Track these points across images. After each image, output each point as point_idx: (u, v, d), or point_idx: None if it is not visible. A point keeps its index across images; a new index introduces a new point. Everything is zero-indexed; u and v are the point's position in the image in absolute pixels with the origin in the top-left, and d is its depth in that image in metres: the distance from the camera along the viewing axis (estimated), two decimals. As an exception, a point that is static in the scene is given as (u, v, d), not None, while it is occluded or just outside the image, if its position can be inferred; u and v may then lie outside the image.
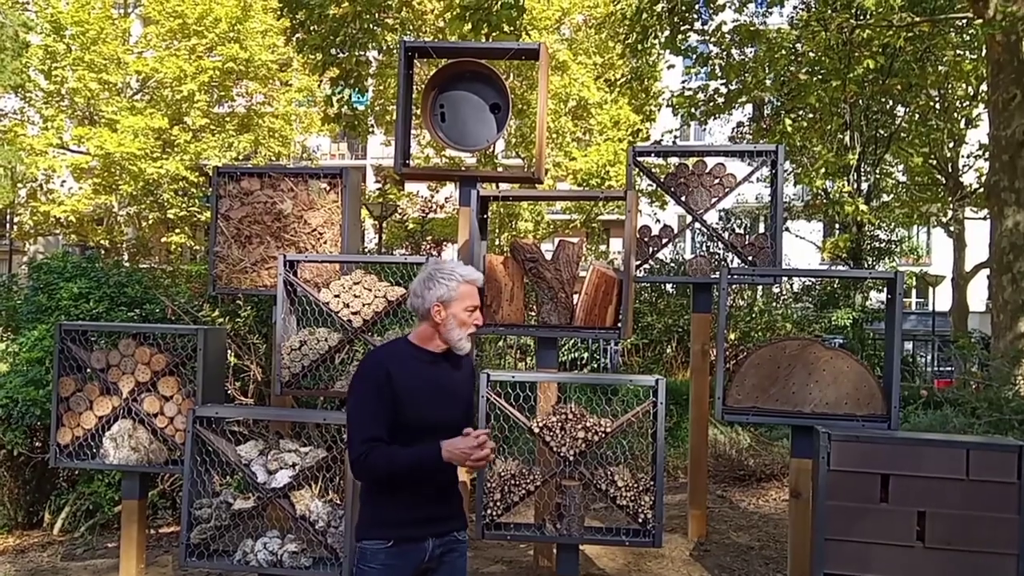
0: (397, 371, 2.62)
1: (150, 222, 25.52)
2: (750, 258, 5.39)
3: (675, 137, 17.23)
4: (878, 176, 18.25)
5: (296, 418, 4.52)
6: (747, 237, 5.52)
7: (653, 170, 6.03)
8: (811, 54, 12.77)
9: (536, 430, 4.00)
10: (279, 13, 11.03)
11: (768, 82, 12.93)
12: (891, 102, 16.09)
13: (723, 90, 13.22)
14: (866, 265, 15.99)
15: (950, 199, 20.03)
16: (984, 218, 16.78)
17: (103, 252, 23.86)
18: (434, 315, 2.67)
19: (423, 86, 4.96)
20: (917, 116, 16.62)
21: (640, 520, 3.94)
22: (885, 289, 4.27)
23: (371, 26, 10.73)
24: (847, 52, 12.48)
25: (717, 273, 5.28)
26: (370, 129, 18.18)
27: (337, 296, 4.44)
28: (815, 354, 4.14)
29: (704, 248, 12.65)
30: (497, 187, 7.58)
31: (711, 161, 5.59)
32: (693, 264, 5.52)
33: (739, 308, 11.87)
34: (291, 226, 4.95)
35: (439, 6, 16.61)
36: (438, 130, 4.92)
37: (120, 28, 24.70)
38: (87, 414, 4.63)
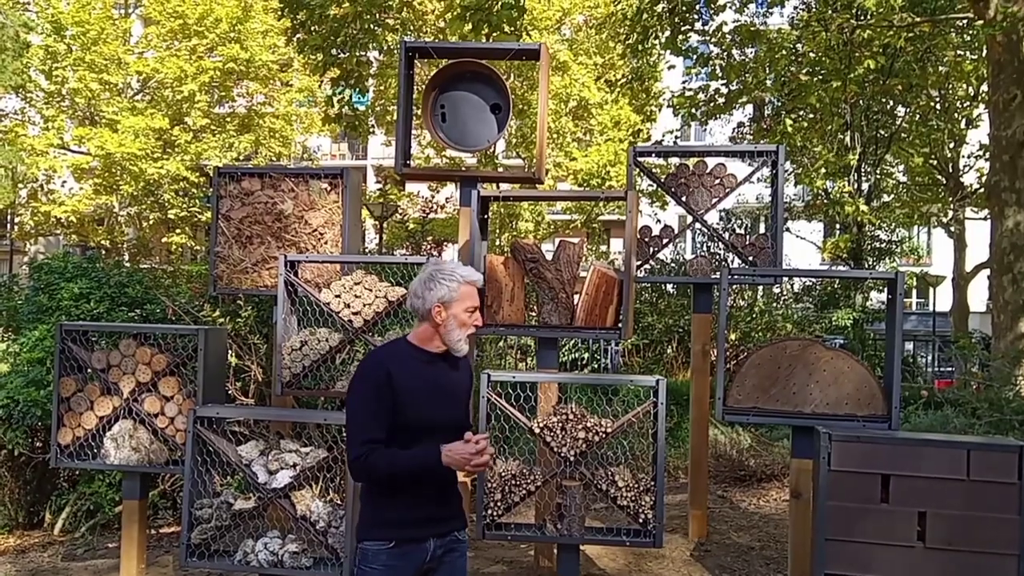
0: (397, 371, 2.62)
1: (151, 222, 25.53)
2: (751, 258, 5.39)
3: (676, 137, 17.22)
4: (879, 176, 18.25)
5: (297, 418, 4.52)
6: (748, 237, 5.52)
7: (654, 170, 6.03)
8: (812, 54, 12.78)
9: (537, 430, 4.00)
10: (280, 13, 11.03)
11: (769, 82, 12.94)
12: (892, 102, 16.09)
13: (724, 90, 13.23)
14: (867, 265, 15.99)
15: (951, 199, 20.03)
16: (985, 218, 16.77)
17: (104, 252, 23.84)
18: (435, 316, 2.67)
19: (424, 86, 4.96)
20: (918, 116, 16.62)
21: (641, 520, 3.94)
22: (886, 289, 4.28)
23: (372, 26, 10.74)
24: (848, 52, 12.48)
25: (718, 273, 5.28)
26: (371, 129, 18.19)
27: (338, 296, 4.44)
28: (816, 354, 4.14)
29: (705, 248, 12.62)
30: (498, 187, 7.59)
31: (712, 161, 5.59)
32: (694, 264, 5.52)
33: (740, 308, 11.86)
34: (292, 226, 4.95)
35: (440, 6, 16.61)
36: (439, 130, 4.92)
37: (121, 28, 24.70)
38: (88, 414, 4.63)
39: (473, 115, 4.87)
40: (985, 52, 10.39)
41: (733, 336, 10.75)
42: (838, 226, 18.40)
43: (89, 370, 4.67)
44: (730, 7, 13.53)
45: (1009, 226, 8.58)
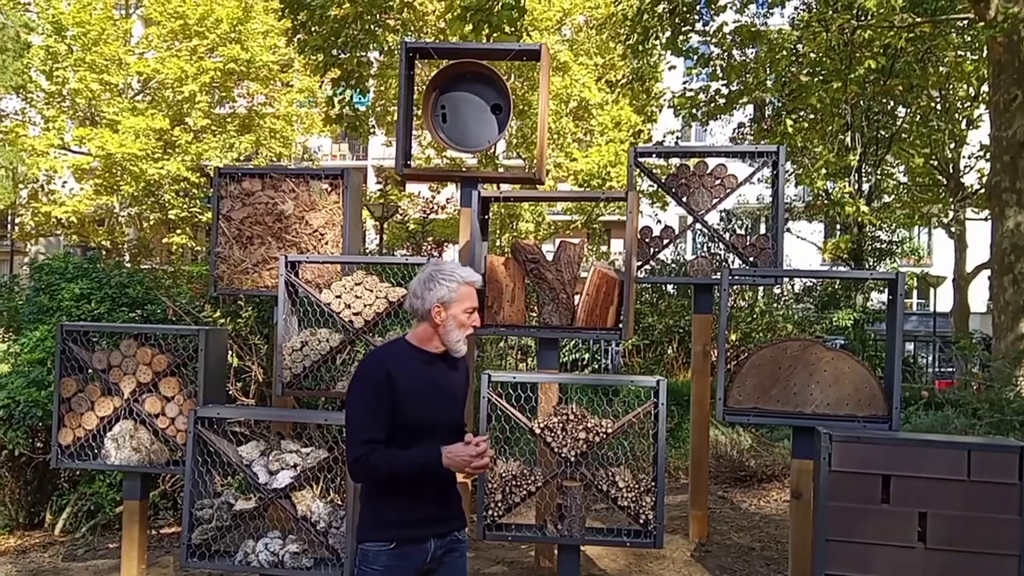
0: (397, 371, 2.62)
1: (151, 223, 25.55)
2: (751, 259, 5.39)
3: (677, 138, 17.23)
4: (879, 177, 18.24)
5: (297, 419, 4.53)
6: (748, 238, 5.52)
7: (654, 171, 6.04)
8: (812, 55, 12.77)
9: (537, 431, 4.00)
10: (280, 14, 11.02)
11: (769, 83, 12.93)
12: (892, 103, 16.08)
13: (724, 91, 13.22)
14: (867, 266, 15.98)
15: (951, 200, 20.02)
16: (985, 219, 16.75)
17: (104, 253, 23.83)
18: (434, 316, 2.67)
19: (424, 87, 4.96)
20: (918, 117, 16.61)
21: (641, 521, 3.94)
22: (886, 290, 4.28)
23: (372, 27, 10.73)
24: (848, 53, 12.48)
25: (718, 274, 5.29)
26: (371, 130, 18.20)
27: (338, 297, 4.44)
28: (816, 355, 4.14)
29: (705, 249, 12.61)
30: (498, 188, 7.59)
31: (712, 162, 5.59)
32: (694, 265, 5.52)
33: (740, 309, 11.86)
34: (292, 227, 4.95)
35: (440, 7, 16.61)
36: (439, 131, 4.92)
37: (121, 29, 24.73)
38: (88, 415, 4.64)
39: (474, 116, 4.87)
40: (986, 53, 10.39)
41: (734, 337, 10.75)
42: (839, 227, 18.38)
43: (90, 370, 4.67)
44: (730, 7, 13.52)
45: (1010, 227, 8.58)
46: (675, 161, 6.36)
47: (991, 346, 9.40)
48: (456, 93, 4.89)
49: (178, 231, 25.21)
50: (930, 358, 17.24)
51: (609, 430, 3.95)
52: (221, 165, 10.45)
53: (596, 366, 12.78)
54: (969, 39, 13.23)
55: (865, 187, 16.55)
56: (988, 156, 11.72)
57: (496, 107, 4.86)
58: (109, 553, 5.68)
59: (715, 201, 5.48)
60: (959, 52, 14.14)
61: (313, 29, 10.45)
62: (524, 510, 4.76)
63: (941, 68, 14.35)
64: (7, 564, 5.53)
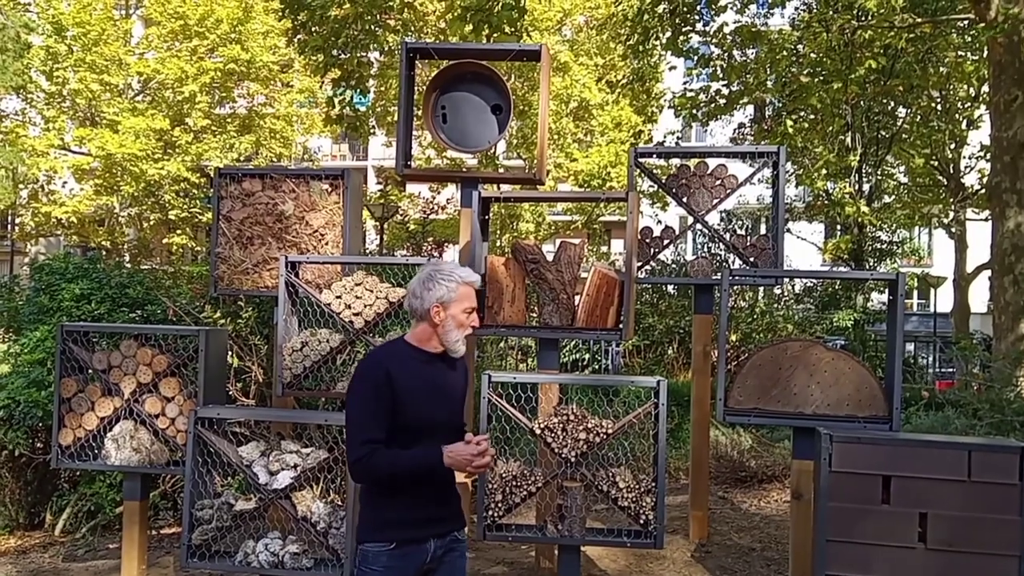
0: (397, 371, 2.62)
1: (151, 223, 25.55)
2: (751, 259, 5.39)
3: (677, 138, 17.22)
4: (879, 177, 18.24)
5: (297, 419, 4.52)
6: (748, 238, 5.52)
7: (655, 171, 6.03)
8: (812, 55, 12.77)
9: (537, 431, 4.00)
10: (280, 14, 11.02)
11: (769, 83, 12.93)
12: (892, 103, 16.08)
13: (724, 91, 13.21)
14: (867, 266, 15.97)
15: (951, 200, 20.02)
16: (986, 219, 16.74)
17: (104, 253, 23.83)
18: (433, 316, 2.68)
19: (424, 87, 4.96)
20: (919, 117, 16.61)
21: (641, 521, 3.94)
22: (887, 290, 4.27)
23: (372, 27, 10.73)
24: (848, 53, 12.48)
25: (719, 274, 5.29)
26: (371, 130, 18.19)
27: (339, 297, 4.44)
28: (816, 355, 4.14)
29: (706, 249, 12.62)
30: (498, 188, 7.58)
31: (713, 162, 5.59)
32: (695, 265, 5.51)
33: (740, 309, 11.86)
34: (292, 227, 4.95)
35: (440, 7, 16.62)
36: (439, 131, 4.92)
37: (121, 29, 24.73)
38: (89, 415, 4.63)
39: (474, 116, 4.87)
40: (986, 53, 10.39)
41: (734, 337, 10.75)
42: (839, 227, 18.37)
43: (90, 371, 4.67)
44: (731, 8, 13.52)
45: (1010, 227, 8.58)
46: (675, 161, 6.36)
47: (991, 347, 9.40)
48: (456, 93, 4.89)
49: (178, 231, 25.22)
50: (930, 359, 17.23)
51: (609, 431, 3.95)
52: (221, 165, 10.44)
53: (596, 366, 12.78)
54: (970, 39, 13.22)
55: (865, 187, 16.55)
56: (988, 156, 11.72)
57: (496, 107, 4.86)
58: (109, 553, 5.68)
59: (715, 201, 5.48)
60: (959, 52, 14.14)
61: (313, 29, 10.45)
62: (524, 510, 4.76)
63: (941, 68, 14.35)
64: (7, 564, 5.53)
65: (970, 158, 19.22)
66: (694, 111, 13.76)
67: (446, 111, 4.90)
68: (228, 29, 23.38)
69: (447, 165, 19.61)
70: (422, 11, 16.85)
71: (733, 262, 5.67)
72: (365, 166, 34.09)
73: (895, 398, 4.00)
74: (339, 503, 4.06)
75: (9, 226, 30.45)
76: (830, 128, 14.06)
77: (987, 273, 16.27)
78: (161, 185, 23.75)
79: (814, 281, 14.05)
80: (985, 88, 13.88)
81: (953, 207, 20.31)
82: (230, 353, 5.99)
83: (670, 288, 12.42)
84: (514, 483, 4.02)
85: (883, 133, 16.80)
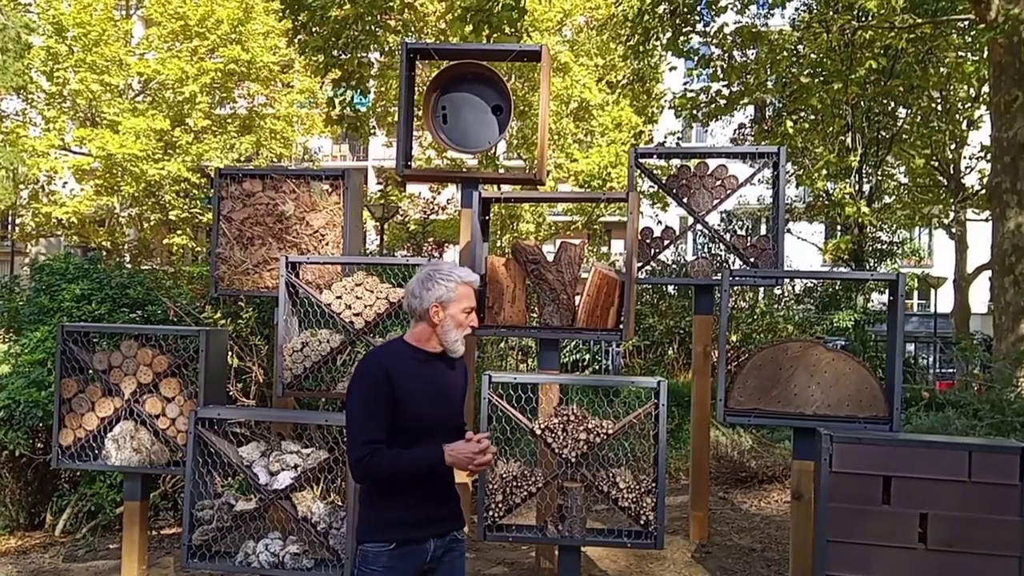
0: (396, 371, 2.62)
1: (152, 223, 25.55)
2: (752, 260, 5.39)
3: (678, 139, 17.22)
4: (880, 178, 18.22)
5: (298, 419, 4.52)
6: (749, 239, 5.52)
7: (655, 172, 6.03)
8: (813, 56, 12.78)
9: (538, 432, 4.00)
10: (281, 15, 11.03)
11: (770, 84, 12.93)
12: (893, 104, 16.07)
13: (725, 92, 13.21)
14: (868, 267, 15.97)
15: (952, 201, 20.01)
16: (986, 220, 16.75)
17: (105, 253, 23.84)
18: (432, 316, 2.68)
19: (425, 88, 4.96)
20: (919, 118, 16.60)
21: (642, 522, 3.94)
22: (887, 291, 4.28)
23: (373, 28, 10.73)
24: (849, 54, 12.48)
25: (719, 275, 5.28)
26: (372, 131, 18.19)
27: (339, 297, 4.44)
28: (817, 356, 4.14)
29: (706, 250, 12.63)
30: (499, 188, 7.59)
31: (713, 163, 5.59)
32: (695, 266, 5.51)
33: (741, 310, 11.86)
34: (293, 228, 4.95)
35: (441, 8, 16.62)
36: (440, 132, 4.92)
37: (122, 30, 24.73)
38: (89, 415, 4.64)
39: (474, 116, 4.87)
40: (986, 54, 10.38)
41: (734, 337, 10.75)
42: (839, 227, 18.36)
43: (90, 371, 4.67)
44: (731, 8, 13.52)
45: (1010, 227, 8.57)
46: (676, 162, 6.36)
47: (992, 347, 9.40)
48: (457, 94, 4.89)
49: (179, 232, 25.22)
50: (931, 359, 17.23)
51: (610, 431, 3.95)
52: (222, 166, 10.45)
53: (597, 367, 12.78)
54: (970, 40, 13.21)
55: (866, 188, 16.54)
56: (989, 157, 11.72)
57: (497, 108, 4.86)
58: (109, 554, 5.68)
59: (716, 202, 5.48)
60: (960, 53, 14.13)
61: (314, 30, 10.45)
62: (525, 511, 4.76)
63: (942, 69, 14.34)
64: (8, 565, 5.53)
65: (970, 158, 19.22)
66: (694, 112, 13.76)
67: (446, 111, 4.90)
68: (228, 29, 23.39)
69: (447, 165, 19.61)
70: (422, 12, 16.86)
71: (733, 262, 5.67)
72: (365, 166, 34.09)
73: (895, 399, 4.00)
74: (339, 503, 4.06)
75: (9, 226, 30.46)
76: (830, 128, 14.07)
77: (987, 274, 16.28)
78: (161, 185, 23.76)
79: (814, 281, 14.04)
80: (985, 89, 13.87)
81: (953, 207, 20.31)
82: (230, 353, 5.99)
83: (670, 288, 12.42)
84: (514, 483, 4.02)
85: (883, 133, 16.79)
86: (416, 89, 5.09)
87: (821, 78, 12.16)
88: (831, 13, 12.96)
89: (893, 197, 20.96)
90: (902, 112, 16.77)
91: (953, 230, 21.58)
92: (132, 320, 6.32)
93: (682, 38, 12.07)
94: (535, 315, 4.83)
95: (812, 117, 13.87)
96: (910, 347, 16.69)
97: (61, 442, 4.65)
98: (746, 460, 7.21)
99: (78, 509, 6.22)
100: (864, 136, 16.09)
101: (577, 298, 4.47)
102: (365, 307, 4.41)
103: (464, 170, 11.01)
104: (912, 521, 3.46)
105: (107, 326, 5.48)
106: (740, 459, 7.23)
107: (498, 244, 19.59)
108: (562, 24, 22.67)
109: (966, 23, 12.23)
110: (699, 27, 12.91)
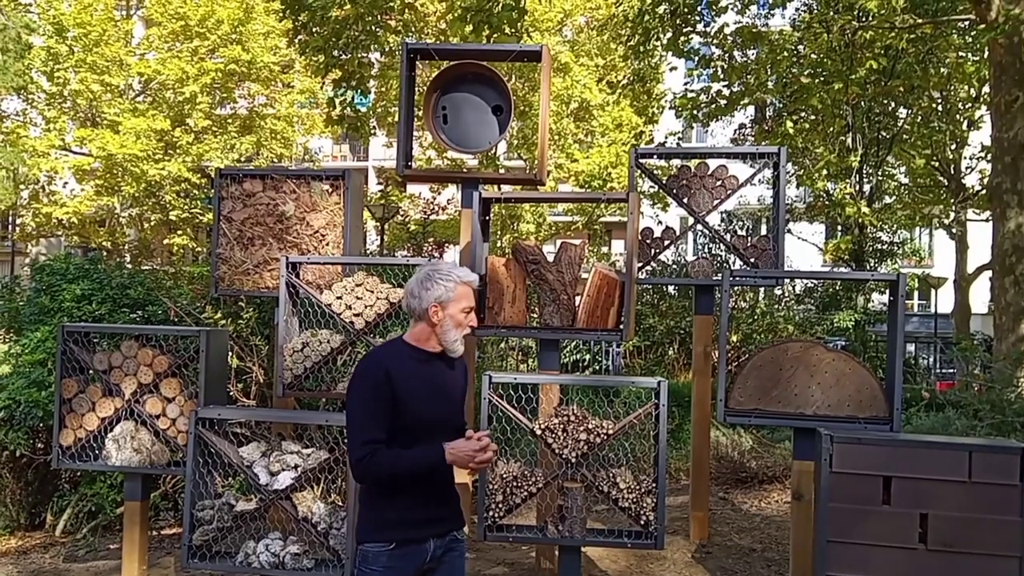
0: (396, 371, 2.63)
1: (152, 224, 25.54)
2: (752, 260, 5.38)
3: (678, 139, 17.22)
4: (880, 178, 18.21)
5: (298, 420, 4.53)
6: (749, 239, 5.52)
7: (655, 172, 6.03)
8: (813, 56, 12.77)
9: (538, 432, 4.00)
10: (281, 15, 11.03)
11: (770, 84, 12.93)
12: (893, 104, 16.06)
13: (725, 92, 13.22)
14: (868, 267, 15.97)
15: (952, 201, 20.01)
16: (986, 220, 16.75)
17: (105, 254, 23.84)
18: (431, 316, 2.68)
19: (425, 88, 4.96)
20: (919, 118, 16.60)
21: (642, 522, 3.94)
22: (887, 291, 4.27)
23: (373, 28, 10.74)
24: (849, 54, 12.48)
25: (719, 275, 5.28)
26: (372, 131, 18.19)
27: (339, 298, 4.44)
28: (817, 356, 4.14)
29: (706, 250, 12.63)
30: (499, 189, 7.59)
31: (713, 163, 5.59)
32: (695, 266, 5.51)
33: (741, 310, 11.86)
34: (293, 228, 4.95)
35: (441, 8, 16.63)
36: (440, 132, 4.92)
37: (122, 30, 24.73)
38: (89, 415, 4.64)
39: (474, 117, 4.87)
40: (987, 54, 10.38)
41: (734, 338, 10.75)
42: (840, 228, 18.36)
43: (91, 371, 4.67)
44: (732, 9, 13.53)
45: (1011, 228, 8.57)
46: (676, 162, 6.36)
47: (992, 347, 9.40)
48: (457, 94, 4.89)
49: (179, 232, 25.21)
50: (931, 359, 17.22)
51: (610, 431, 3.95)
52: (222, 166, 10.45)
53: (597, 367, 12.78)
54: (970, 40, 13.21)
55: (866, 188, 16.54)
56: (989, 157, 11.72)
57: (497, 108, 4.86)
58: (110, 554, 5.68)
59: (716, 202, 5.48)
60: (960, 53, 14.13)
61: (314, 30, 10.46)
62: (525, 511, 4.76)
63: (942, 69, 14.34)
64: (8, 565, 5.54)
65: (971, 159, 19.21)
66: (695, 112, 13.77)
67: (447, 112, 4.90)
68: (229, 30, 23.38)
69: (448, 166, 19.62)
70: (423, 12, 16.87)
71: (734, 263, 5.67)
72: (366, 167, 34.09)
73: (896, 399, 4.00)
74: (340, 504, 4.06)
75: (10, 227, 30.46)
76: (831, 129, 14.07)
77: (988, 274, 16.28)
78: (162, 186, 23.75)
79: (815, 282, 14.04)
80: (986, 89, 13.87)
81: (954, 208, 20.31)
82: (231, 354, 6.00)
83: (671, 289, 12.42)
84: (515, 484, 4.02)
85: (884, 134, 16.79)
86: (416, 89, 5.09)
87: (821, 78, 12.16)
88: (831, 13, 12.96)
89: (893, 197, 20.96)
90: (903, 112, 16.76)
91: (953, 230, 21.58)
92: (132, 320, 6.32)
93: (682, 38, 12.07)
94: (535, 315, 4.84)
95: (812, 117, 13.87)
96: (910, 347, 16.69)
97: (61, 442, 4.65)
98: (746, 460, 7.21)
99: (78, 509, 6.22)
100: (864, 136, 16.08)
101: (577, 298, 4.47)
102: (365, 307, 4.41)
103: (464, 170, 11.01)
104: (912, 521, 3.46)
105: (107, 326, 5.48)
106: (740, 459, 7.23)
107: (498, 244, 19.59)
108: (562, 24, 22.67)
109: (966, 23, 12.23)
110: (699, 27, 12.92)
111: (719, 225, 12.85)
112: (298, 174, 5.07)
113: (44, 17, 23.02)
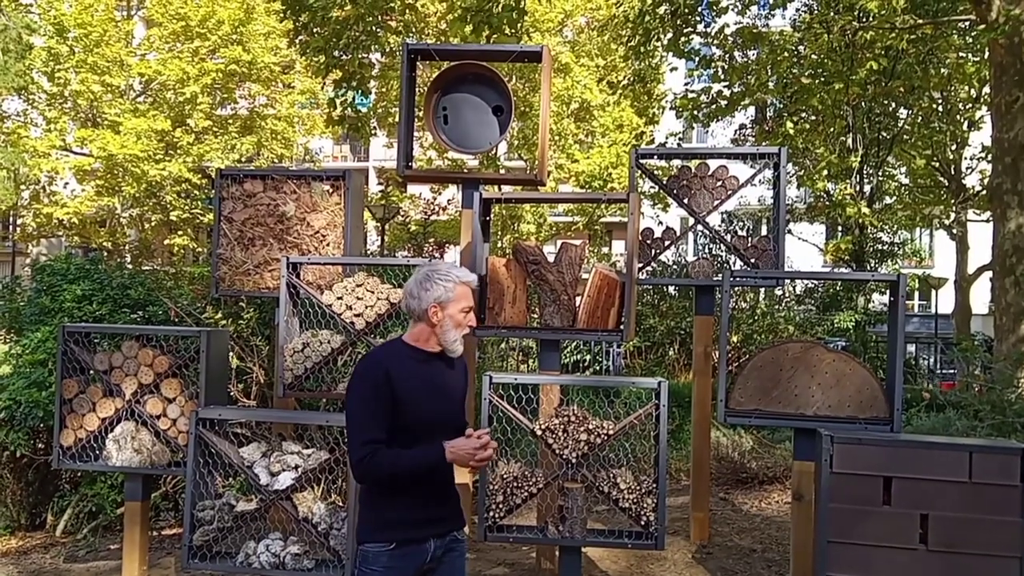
0: (396, 371, 2.63)
1: (153, 224, 25.54)
2: (752, 260, 5.39)
3: (679, 140, 17.22)
4: (880, 178, 18.22)
5: (299, 420, 4.53)
6: (749, 239, 5.52)
7: (656, 172, 6.04)
8: (814, 56, 12.76)
9: (538, 432, 4.00)
10: (282, 16, 11.04)
11: (771, 84, 12.92)
12: (894, 104, 16.06)
13: (726, 92, 13.21)
14: (869, 267, 15.96)
15: (953, 201, 20.00)
16: (987, 220, 16.74)
17: (106, 254, 23.84)
18: (431, 316, 2.69)
19: (426, 88, 4.96)
20: (920, 118, 16.59)
21: (642, 523, 3.94)
22: (888, 291, 4.27)
23: (374, 28, 10.73)
24: (850, 54, 12.46)
25: (720, 275, 5.28)
26: (373, 131, 18.19)
27: (340, 298, 4.44)
28: (817, 356, 4.14)
29: (707, 250, 12.62)
30: (499, 189, 7.59)
31: (714, 163, 5.59)
32: (696, 266, 5.51)
33: (741, 310, 11.85)
34: (294, 228, 4.95)
35: (441, 8, 16.63)
36: (441, 132, 4.92)
37: (123, 30, 24.74)
38: (90, 416, 4.64)
39: (475, 117, 4.88)
40: (987, 54, 10.38)
41: (735, 338, 10.75)
42: (840, 228, 18.36)
43: (91, 372, 4.67)
44: (732, 9, 13.52)
45: (1011, 228, 8.57)
46: (676, 163, 6.36)
47: (993, 348, 9.39)
48: (457, 94, 4.90)
49: (180, 232, 25.21)
50: (932, 360, 17.22)
51: (610, 432, 3.95)
52: (223, 166, 10.45)
53: (597, 368, 12.78)
54: (971, 41, 13.22)
55: (866, 188, 16.54)
56: (990, 158, 11.72)
57: (497, 108, 4.86)
58: (110, 554, 5.68)
59: (716, 203, 5.48)
60: (961, 54, 14.13)
61: (315, 31, 10.46)
62: (525, 512, 4.76)
63: (943, 70, 14.33)
64: (8, 565, 5.54)
65: (971, 159, 19.20)
66: (695, 112, 13.76)
67: (447, 112, 4.91)
68: (229, 30, 23.39)
69: (448, 166, 19.62)
70: (423, 12, 16.88)
71: (734, 263, 5.67)
72: (366, 167, 34.09)
73: (896, 399, 4.00)
74: (340, 504, 4.06)
75: (11, 227, 30.45)
76: (831, 129, 14.05)
77: (988, 274, 16.27)
78: (162, 186, 23.75)
79: (815, 282, 14.04)
80: (986, 89, 13.86)
81: (954, 208, 20.30)
82: (231, 354, 6.00)
83: (671, 289, 12.42)
84: (515, 484, 4.02)
85: (884, 134, 16.79)
86: (417, 90, 5.09)
87: (822, 79, 12.14)
88: (832, 14, 12.95)
89: (894, 198, 20.96)
90: (903, 113, 16.76)
91: (954, 231, 21.57)
92: (133, 321, 6.32)
93: (683, 39, 12.07)
94: (536, 316, 4.84)
95: (813, 118, 13.85)
96: (911, 348, 16.68)
97: (62, 443, 4.66)
98: (747, 461, 7.21)
99: (79, 510, 6.22)
100: (865, 137, 16.09)
101: (578, 299, 4.47)
102: (366, 308, 4.41)
103: (465, 171, 11.02)
104: (913, 522, 3.46)
105: (108, 327, 5.48)
106: (741, 460, 7.23)
107: (499, 245, 19.60)
108: (563, 25, 22.67)
109: (967, 24, 12.23)
110: (700, 28, 12.91)
111: (719, 225, 12.84)
112: (299, 174, 5.07)
113: (45, 18, 23.03)
